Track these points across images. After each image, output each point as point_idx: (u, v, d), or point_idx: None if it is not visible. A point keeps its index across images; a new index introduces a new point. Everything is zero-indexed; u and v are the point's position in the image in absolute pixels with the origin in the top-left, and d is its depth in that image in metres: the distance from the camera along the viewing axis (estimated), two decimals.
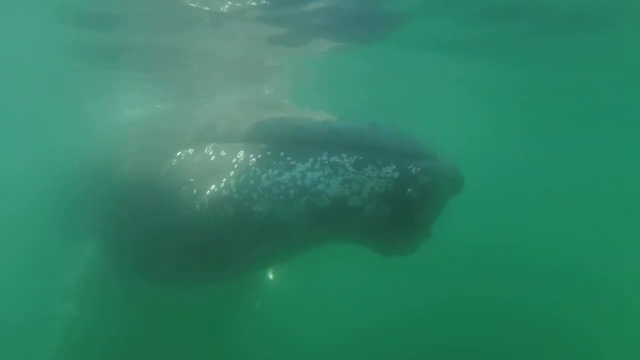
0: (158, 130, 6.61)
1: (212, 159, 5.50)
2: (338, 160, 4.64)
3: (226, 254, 5.89)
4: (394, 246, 4.70)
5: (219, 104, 6.73)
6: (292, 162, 4.82)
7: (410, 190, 4.39)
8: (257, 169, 4.98)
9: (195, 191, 5.46)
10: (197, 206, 5.38)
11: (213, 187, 5.27)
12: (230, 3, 7.87)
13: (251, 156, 5.12)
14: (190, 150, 5.81)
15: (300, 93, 15.67)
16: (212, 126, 5.81)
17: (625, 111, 19.81)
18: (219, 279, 6.68)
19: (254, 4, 7.93)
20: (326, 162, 4.69)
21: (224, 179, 5.20)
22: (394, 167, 4.48)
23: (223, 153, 5.43)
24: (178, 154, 5.90)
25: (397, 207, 4.47)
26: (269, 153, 5.01)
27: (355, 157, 4.61)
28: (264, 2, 7.93)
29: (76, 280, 6.70)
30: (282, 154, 4.93)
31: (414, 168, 4.46)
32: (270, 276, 10.02)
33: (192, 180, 5.57)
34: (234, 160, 5.25)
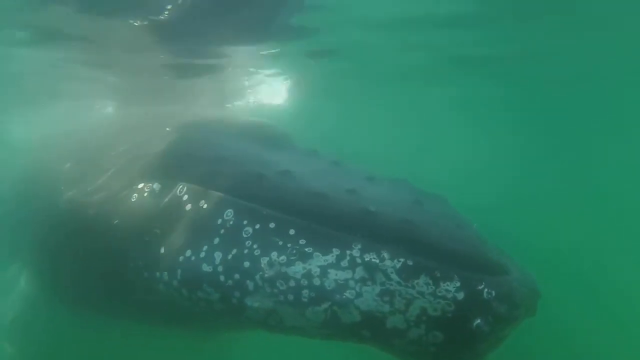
0: (102, 146, 4.91)
1: (186, 208, 3.98)
2: (376, 260, 3.27)
3: (199, 323, 4.56)
4: None
5: (193, 117, 5.08)
6: (307, 249, 3.41)
7: (478, 321, 3.12)
8: (256, 247, 3.55)
9: (162, 249, 3.98)
10: (165, 274, 3.92)
11: (188, 253, 3.80)
12: None
13: (245, 222, 3.65)
14: (157, 186, 4.24)
15: None
16: (187, 155, 4.23)
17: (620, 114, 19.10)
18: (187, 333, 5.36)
19: None
20: (359, 259, 3.31)
21: (205, 246, 3.73)
22: (458, 285, 3.17)
23: (204, 204, 3.91)
24: (139, 186, 4.33)
25: (454, 337, 3.21)
26: (272, 225, 3.56)
27: (402, 260, 3.24)
28: None
29: (10, 315, 5.23)
30: (292, 232, 3.49)
31: (486, 290, 3.16)
32: None
33: (157, 231, 4.07)
34: (220, 220, 3.76)
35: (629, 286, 12.82)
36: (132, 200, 4.32)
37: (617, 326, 11.27)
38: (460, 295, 3.16)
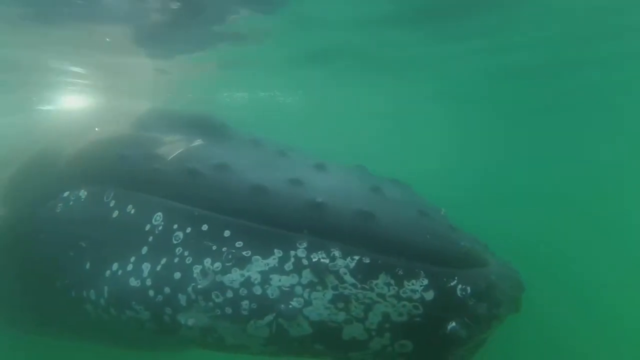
0: (37, 150, 4.33)
1: (113, 215, 3.41)
2: (326, 260, 2.70)
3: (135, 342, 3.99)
4: None
5: (125, 111, 4.52)
6: (245, 253, 2.84)
7: (453, 324, 2.54)
8: (187, 254, 2.97)
9: (87, 264, 3.40)
10: (92, 292, 3.35)
11: (115, 267, 3.23)
12: None
13: (175, 226, 3.08)
14: (82, 193, 3.67)
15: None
16: (115, 157, 3.66)
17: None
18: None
19: None
20: (305, 260, 2.74)
21: (132, 257, 3.16)
22: (425, 283, 2.60)
23: (131, 209, 3.34)
24: (65, 194, 3.75)
25: (426, 345, 2.65)
26: (205, 227, 2.99)
27: (356, 258, 2.67)
28: None
29: None
30: (227, 233, 2.92)
31: (460, 287, 2.59)
32: None
33: (82, 244, 3.49)
34: (148, 226, 3.19)
35: (615, 281, 12.30)
36: (57, 211, 3.75)
37: (603, 322, 10.70)
38: (429, 295, 2.60)
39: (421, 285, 2.60)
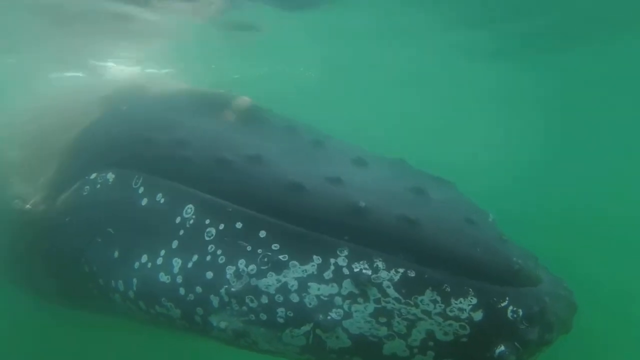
0: (62, 125, 4.18)
1: (142, 203, 3.27)
2: (368, 271, 2.54)
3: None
4: None
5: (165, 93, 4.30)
6: (281, 257, 2.69)
7: (502, 349, 2.39)
8: (220, 253, 2.84)
9: (116, 253, 3.30)
10: (120, 282, 3.26)
11: (144, 259, 3.12)
12: None
13: (208, 222, 2.93)
14: (110, 176, 3.53)
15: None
16: (146, 140, 3.49)
17: None
18: None
19: None
20: (346, 270, 2.58)
21: (162, 251, 3.04)
22: (474, 302, 2.43)
23: (161, 198, 3.20)
24: (92, 176, 3.62)
25: None
26: (239, 226, 2.84)
27: (401, 271, 2.51)
28: None
29: None
30: (262, 234, 2.77)
31: (511, 308, 2.42)
32: None
33: (110, 230, 3.38)
34: (179, 219, 3.05)
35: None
36: (85, 193, 3.63)
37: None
38: (478, 316, 2.44)
39: (469, 305, 2.44)
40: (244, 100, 3.82)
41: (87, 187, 3.63)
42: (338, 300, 2.57)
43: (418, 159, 3.81)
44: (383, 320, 2.52)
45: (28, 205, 3.90)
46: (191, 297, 2.88)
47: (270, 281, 2.67)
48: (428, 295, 2.47)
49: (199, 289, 2.85)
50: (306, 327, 2.62)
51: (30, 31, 7.48)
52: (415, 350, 2.52)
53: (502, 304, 2.42)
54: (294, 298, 2.63)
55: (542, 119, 18.60)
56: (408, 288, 2.48)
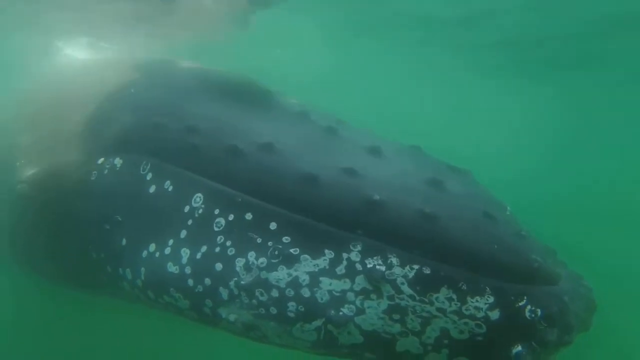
0: (69, 108, 4.08)
1: (150, 190, 3.20)
2: (382, 267, 2.47)
3: None
4: None
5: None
6: (292, 250, 2.62)
7: (519, 349, 2.33)
8: (229, 244, 2.77)
9: (124, 240, 3.25)
10: (128, 271, 3.21)
11: (152, 248, 3.06)
12: None
13: (217, 212, 2.86)
14: (118, 161, 3.46)
15: None
16: (155, 126, 3.40)
17: None
18: None
19: None
20: (359, 265, 2.51)
21: (171, 240, 2.98)
22: (491, 301, 2.36)
23: (169, 186, 3.12)
24: (99, 161, 3.55)
25: None
26: (249, 217, 2.76)
27: (416, 267, 2.43)
28: None
29: None
30: (273, 225, 2.70)
31: (529, 307, 2.35)
32: None
33: (118, 217, 3.32)
34: (188, 208, 2.98)
35: None
36: (92, 178, 3.56)
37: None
38: (495, 315, 2.37)
39: (486, 303, 2.37)
40: (257, 84, 3.71)
41: (95, 172, 3.56)
42: (350, 296, 2.50)
43: (433, 146, 3.70)
44: (397, 317, 2.45)
45: (34, 190, 3.84)
46: (200, 288, 2.82)
47: (281, 275, 2.61)
48: (443, 292, 2.40)
49: (207, 281, 2.79)
50: (317, 322, 2.56)
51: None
52: (429, 348, 2.46)
53: (520, 304, 2.35)
54: (305, 293, 2.57)
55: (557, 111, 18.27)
56: (423, 285, 2.41)
